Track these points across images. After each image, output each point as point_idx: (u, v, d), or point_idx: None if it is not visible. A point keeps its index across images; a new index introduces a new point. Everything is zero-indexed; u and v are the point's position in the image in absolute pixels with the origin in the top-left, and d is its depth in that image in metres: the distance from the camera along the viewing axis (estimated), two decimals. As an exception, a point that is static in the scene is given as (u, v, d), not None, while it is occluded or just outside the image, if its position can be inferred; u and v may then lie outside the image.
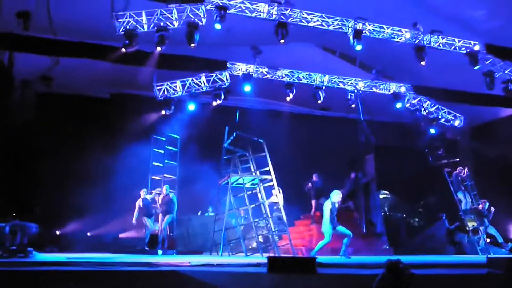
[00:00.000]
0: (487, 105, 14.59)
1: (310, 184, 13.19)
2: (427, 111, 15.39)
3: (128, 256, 9.53)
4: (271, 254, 9.93)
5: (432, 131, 15.50)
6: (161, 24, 10.68)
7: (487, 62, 12.88)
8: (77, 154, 13.62)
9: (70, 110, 14.00)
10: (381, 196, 14.03)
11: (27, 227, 8.43)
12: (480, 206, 12.79)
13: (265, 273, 5.57)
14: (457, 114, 15.83)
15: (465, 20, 12.93)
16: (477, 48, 12.33)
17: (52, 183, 12.97)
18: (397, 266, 4.28)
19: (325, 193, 13.84)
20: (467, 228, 12.87)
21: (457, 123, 15.86)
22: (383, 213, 13.52)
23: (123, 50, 10.64)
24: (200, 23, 10.70)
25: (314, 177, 13.63)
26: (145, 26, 10.76)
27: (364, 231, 12.92)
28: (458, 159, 15.33)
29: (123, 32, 10.57)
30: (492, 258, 6.44)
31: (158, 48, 10.65)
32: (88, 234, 13.46)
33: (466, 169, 13.45)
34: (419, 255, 10.33)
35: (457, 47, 12.41)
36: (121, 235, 13.33)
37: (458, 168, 13.54)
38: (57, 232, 13.14)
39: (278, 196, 11.21)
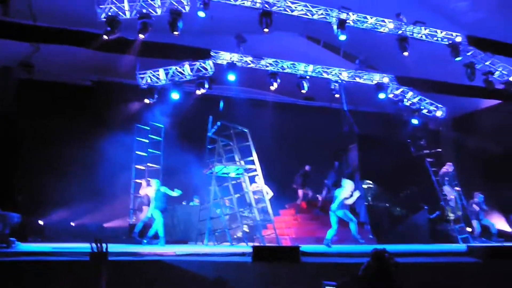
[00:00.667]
0: (468, 96, 14.79)
1: (304, 171, 13.37)
2: (409, 101, 15.57)
3: (112, 245, 9.46)
4: (256, 244, 9.99)
5: (415, 121, 15.70)
6: (144, 11, 10.54)
7: (469, 54, 13.05)
8: (60, 142, 13.39)
9: (51, 98, 13.74)
10: (364, 186, 14.18)
11: (8, 217, 8.27)
12: (476, 200, 13.07)
13: (250, 262, 5.61)
14: (439, 105, 16.05)
15: (448, 11, 13.07)
16: (459, 39, 12.48)
17: (35, 172, 12.77)
18: (382, 255, 4.35)
19: (310, 184, 14.02)
20: (448, 218, 13.12)
21: (439, 113, 16.08)
22: (366, 203, 13.69)
23: (105, 37, 10.45)
24: (184, 11, 10.58)
25: (307, 168, 13.73)
26: (127, 13, 10.61)
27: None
28: (439, 150, 15.58)
29: (104, 19, 10.38)
30: (472, 247, 6.59)
31: (141, 36, 10.51)
32: (72, 224, 13.32)
33: (452, 165, 13.67)
34: (402, 244, 10.51)
35: (439, 38, 12.53)
36: (105, 225, 13.23)
37: (446, 165, 13.71)
38: (41, 222, 12.96)
39: (264, 187, 11.22)
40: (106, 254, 3.45)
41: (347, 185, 9.97)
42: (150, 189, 10.79)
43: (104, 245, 3.51)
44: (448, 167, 13.73)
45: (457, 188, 13.73)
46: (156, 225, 10.35)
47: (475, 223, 12.70)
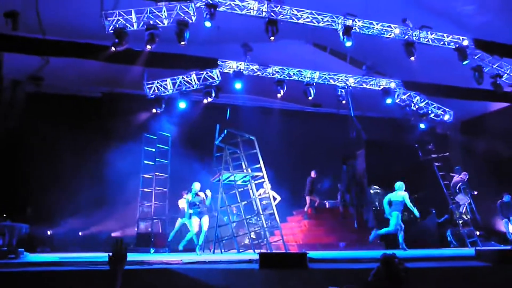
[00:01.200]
0: (476, 100, 14.72)
1: (311, 178, 13.37)
2: (417, 106, 15.51)
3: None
4: (263, 251, 9.98)
5: (422, 126, 15.63)
6: (151, 22, 10.67)
7: (476, 57, 13.01)
8: (69, 154, 13.56)
9: (61, 110, 13.92)
10: (372, 191, 14.11)
11: (16, 228, 8.37)
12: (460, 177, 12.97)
13: (257, 269, 5.60)
14: (447, 109, 15.96)
15: (454, 15, 13.04)
16: (465, 43, 12.45)
17: (44, 183, 12.90)
18: (392, 260, 4.33)
19: (317, 190, 13.99)
20: (457, 222, 13.00)
21: (446, 117, 15.99)
22: (374, 208, 13.62)
23: (113, 49, 10.60)
24: (190, 21, 10.70)
25: (313, 174, 13.70)
26: (135, 25, 10.74)
27: (355, 226, 13.01)
28: (447, 154, 15.46)
29: (112, 31, 10.52)
30: (480, 251, 6.53)
31: (148, 47, 10.63)
32: (80, 233, 13.42)
33: (467, 174, 13.55)
34: (411, 249, 10.43)
35: (446, 42, 12.51)
36: (113, 234, 13.31)
37: (462, 174, 13.59)
38: (49, 232, 13.08)
39: (270, 192, 11.22)
40: (125, 255, 3.47)
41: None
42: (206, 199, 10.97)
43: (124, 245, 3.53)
44: (463, 176, 13.54)
45: (475, 192, 13.59)
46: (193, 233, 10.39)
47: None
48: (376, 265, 4.99)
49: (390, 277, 4.56)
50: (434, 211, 13.53)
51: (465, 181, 13.45)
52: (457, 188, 13.44)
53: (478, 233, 12.83)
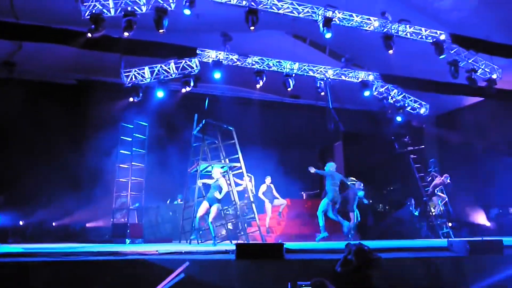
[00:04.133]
0: (452, 94, 14.99)
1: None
2: (394, 99, 15.68)
3: (95, 245, 9.40)
4: (240, 241, 9.98)
5: (399, 119, 15.83)
6: (129, 8, 10.42)
7: (452, 52, 13.19)
8: (43, 142, 13.27)
9: (34, 97, 13.56)
10: (348, 183, 14.25)
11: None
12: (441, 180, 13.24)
13: (234, 259, 5.60)
14: (423, 102, 16.19)
15: (432, 10, 13.19)
16: (443, 37, 12.60)
17: (16, 172, 12.59)
18: (363, 250, 4.39)
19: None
20: (431, 213, 13.27)
21: (422, 111, 16.22)
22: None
23: (89, 35, 10.33)
24: (169, 8, 10.49)
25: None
26: (112, 11, 10.48)
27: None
28: (423, 146, 15.74)
29: (89, 17, 10.25)
30: (452, 242, 6.67)
31: (126, 34, 10.39)
32: (54, 224, 13.17)
33: (448, 177, 13.75)
34: (385, 240, 10.60)
35: (423, 36, 12.64)
36: (88, 225, 13.11)
37: (444, 177, 13.77)
38: (21, 223, 12.80)
39: (248, 183, 11.19)
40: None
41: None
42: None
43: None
44: (444, 179, 13.58)
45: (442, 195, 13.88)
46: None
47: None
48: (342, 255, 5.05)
49: (361, 266, 4.63)
50: (410, 202, 13.77)
51: (445, 184, 13.63)
52: (436, 190, 13.64)
53: (450, 224, 13.13)
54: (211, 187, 9.62)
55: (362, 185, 11.75)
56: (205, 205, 9.55)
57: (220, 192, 9.40)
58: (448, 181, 13.50)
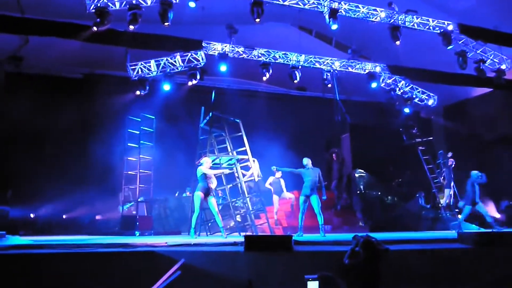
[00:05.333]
0: (460, 85, 14.87)
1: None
2: (401, 90, 15.59)
3: (104, 237, 9.47)
4: (249, 233, 10.01)
5: (407, 110, 15.75)
6: (134, 1, 10.40)
7: (460, 42, 13.07)
8: (50, 136, 13.35)
9: (41, 91, 13.62)
10: (356, 175, 14.24)
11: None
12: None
13: (242, 251, 5.62)
14: (431, 94, 16.09)
15: (439, 0, 13.07)
16: (450, 28, 12.48)
17: (25, 165, 12.68)
18: (371, 241, 4.38)
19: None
20: (440, 205, 13.22)
21: (430, 102, 16.12)
22: (358, 191, 13.75)
23: (95, 28, 10.34)
24: (174, 1, 10.47)
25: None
26: (117, 4, 10.47)
27: (338, 208, 13.13)
28: (431, 138, 15.65)
29: (94, 10, 10.25)
30: (462, 233, 6.64)
31: (131, 27, 10.39)
32: (64, 216, 13.28)
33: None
34: (393, 232, 10.59)
35: (431, 27, 12.52)
36: (97, 217, 13.20)
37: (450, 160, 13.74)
38: (32, 215, 12.91)
39: (254, 168, 11.11)
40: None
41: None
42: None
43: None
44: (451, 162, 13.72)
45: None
46: None
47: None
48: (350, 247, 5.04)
49: (370, 258, 4.62)
50: (420, 195, 13.71)
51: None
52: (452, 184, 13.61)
53: (460, 216, 13.06)
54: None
55: None
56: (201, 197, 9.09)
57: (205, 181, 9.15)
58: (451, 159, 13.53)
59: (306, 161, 9.52)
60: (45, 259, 5.24)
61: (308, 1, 11.41)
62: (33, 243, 6.35)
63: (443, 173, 14.08)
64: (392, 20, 12.03)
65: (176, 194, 14.14)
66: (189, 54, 13.36)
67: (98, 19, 10.18)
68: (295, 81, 13.88)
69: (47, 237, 9.75)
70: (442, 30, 12.45)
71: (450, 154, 13.79)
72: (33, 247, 5.90)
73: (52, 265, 5.17)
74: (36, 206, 12.87)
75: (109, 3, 10.35)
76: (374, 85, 14.59)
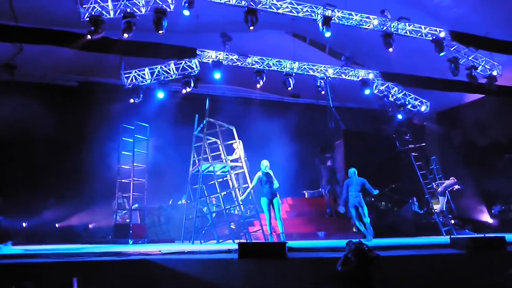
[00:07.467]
0: (452, 91, 14.98)
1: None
2: (394, 97, 15.69)
3: (98, 246, 9.42)
4: (243, 241, 9.99)
5: (399, 116, 15.83)
6: (128, 10, 10.45)
7: (452, 49, 13.21)
8: (44, 144, 13.29)
9: (35, 99, 13.56)
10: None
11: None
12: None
13: (236, 259, 5.62)
14: (424, 100, 16.21)
15: (431, 7, 13.22)
16: (442, 35, 12.61)
17: (18, 174, 12.63)
18: (362, 248, 4.39)
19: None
20: (433, 211, 13.27)
21: (423, 108, 16.23)
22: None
23: (89, 37, 10.36)
24: (168, 9, 10.52)
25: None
26: (111, 12, 10.51)
27: (334, 215, 13.11)
28: (424, 144, 15.74)
29: (88, 19, 10.28)
30: (455, 239, 6.68)
31: (125, 35, 10.42)
32: (57, 225, 13.19)
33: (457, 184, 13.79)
34: (386, 238, 10.60)
35: (423, 34, 12.65)
36: (91, 225, 13.12)
37: (451, 179, 13.82)
38: (24, 224, 12.81)
39: (239, 149, 11.05)
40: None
41: None
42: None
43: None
44: (455, 183, 13.75)
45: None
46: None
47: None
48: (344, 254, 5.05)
49: (361, 265, 4.63)
50: (413, 201, 13.74)
51: (455, 188, 13.68)
52: (447, 190, 13.66)
53: (453, 221, 13.12)
54: None
55: None
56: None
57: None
58: (457, 186, 13.57)
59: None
60: (37, 268, 5.21)
61: (302, 9, 11.51)
62: (25, 253, 6.32)
63: (437, 181, 14.17)
64: (385, 28, 12.14)
65: (170, 202, 14.10)
66: (183, 62, 13.41)
67: (92, 28, 10.21)
68: (289, 88, 13.97)
69: (40, 246, 9.68)
70: (434, 37, 12.59)
71: (452, 180, 13.84)
72: (25, 257, 5.86)
73: (45, 274, 5.14)
74: (28, 215, 12.77)
75: (103, 12, 10.38)
76: (367, 91, 14.69)
